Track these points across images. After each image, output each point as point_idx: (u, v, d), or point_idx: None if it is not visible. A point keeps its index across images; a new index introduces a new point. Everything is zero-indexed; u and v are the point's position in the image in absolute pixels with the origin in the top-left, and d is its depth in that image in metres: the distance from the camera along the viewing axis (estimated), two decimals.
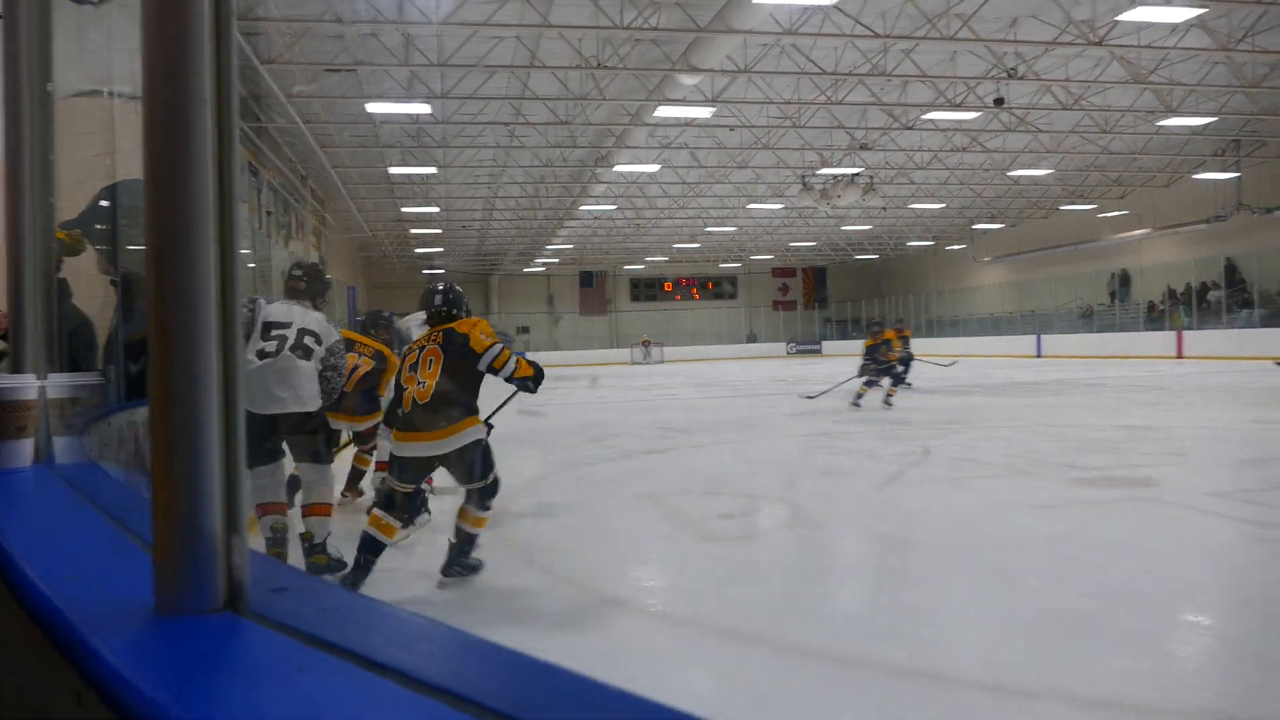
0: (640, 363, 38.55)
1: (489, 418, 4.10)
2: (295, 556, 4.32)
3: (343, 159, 21.06)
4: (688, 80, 14.82)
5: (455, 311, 4.18)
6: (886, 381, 12.50)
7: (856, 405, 12.22)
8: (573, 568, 4.49)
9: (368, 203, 27.39)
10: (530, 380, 4.05)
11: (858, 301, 43.56)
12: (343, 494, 5.93)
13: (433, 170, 22.55)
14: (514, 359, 4.01)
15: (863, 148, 21.27)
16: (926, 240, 38.79)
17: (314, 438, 4.29)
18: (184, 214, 0.86)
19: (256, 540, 4.50)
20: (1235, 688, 2.76)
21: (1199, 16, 13.17)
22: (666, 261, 43.56)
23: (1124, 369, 20.34)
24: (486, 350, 3.94)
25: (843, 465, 7.58)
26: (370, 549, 3.90)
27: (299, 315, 4.26)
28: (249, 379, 4.01)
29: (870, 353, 12.58)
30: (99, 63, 3.97)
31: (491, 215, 30.58)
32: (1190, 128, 20.43)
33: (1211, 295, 25.54)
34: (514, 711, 0.66)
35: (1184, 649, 3.17)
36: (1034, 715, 2.60)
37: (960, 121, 19.77)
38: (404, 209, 27.92)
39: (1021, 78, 15.96)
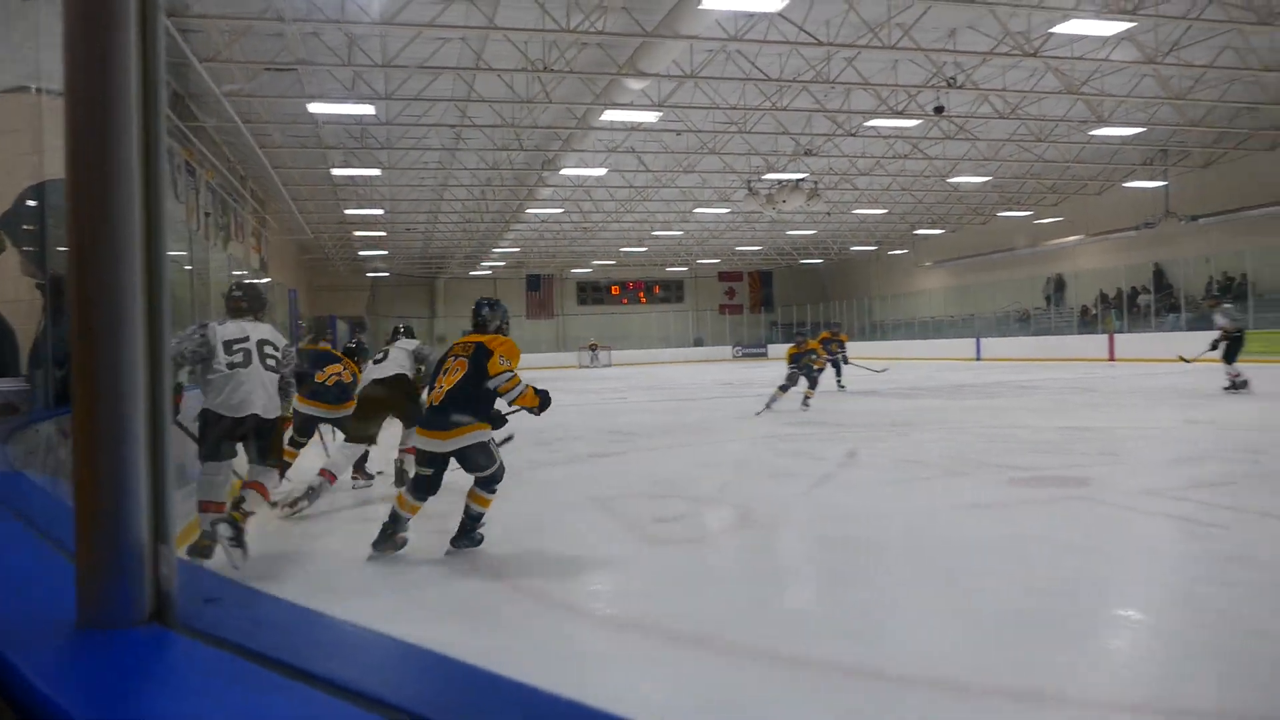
0: (589, 366, 38.52)
1: (506, 413, 4.70)
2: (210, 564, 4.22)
3: (283, 159, 20.65)
4: (634, 84, 14.85)
5: (500, 324, 4.82)
6: (803, 384, 12.64)
7: (769, 409, 12.28)
8: (520, 572, 4.46)
9: (310, 204, 26.90)
10: (534, 408, 4.67)
11: (803, 305, 44.04)
12: (353, 477, 7.00)
13: (376, 172, 22.23)
14: (520, 388, 4.56)
15: (807, 153, 21.54)
16: (870, 245, 39.42)
17: (269, 442, 4.68)
18: (108, 212, 0.83)
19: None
20: (1167, 678, 2.85)
21: (1128, 30, 13.61)
22: (613, 265, 43.59)
23: (1059, 371, 20.90)
24: (497, 374, 4.51)
25: (790, 467, 7.65)
26: (394, 521, 4.59)
27: (251, 329, 4.64)
28: (219, 384, 4.44)
29: (795, 360, 12.71)
30: (26, 58, 3.84)
31: (437, 218, 30.27)
32: (1120, 137, 21.12)
33: (1141, 300, 26.42)
34: None
35: (1118, 642, 3.26)
36: (978, 709, 2.65)
37: (902, 129, 20.15)
38: (347, 211, 27.48)
39: (960, 87, 16.32)
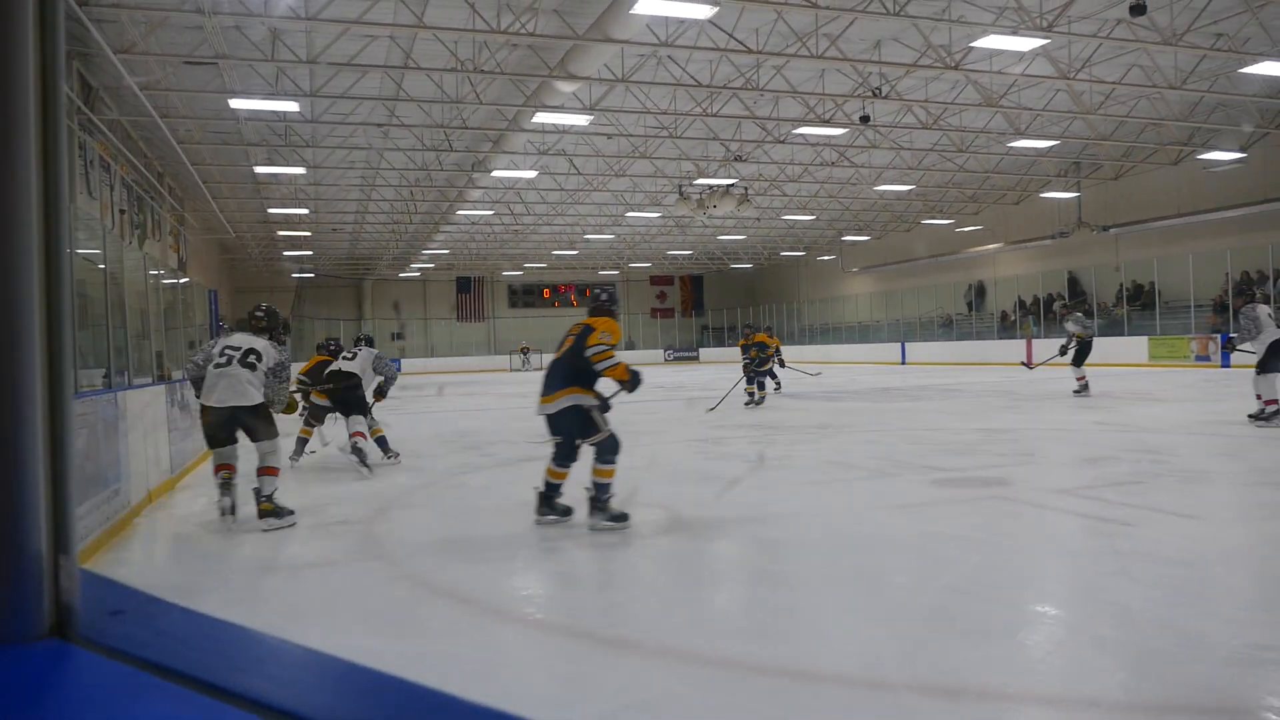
0: (519, 369, 38.26)
1: (608, 396, 5.21)
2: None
3: (203, 156, 20.00)
4: (565, 87, 14.81)
5: (613, 307, 5.46)
6: (755, 378, 13.91)
7: (755, 400, 13.73)
8: (443, 577, 4.40)
9: (231, 203, 26.11)
10: (625, 382, 5.14)
11: (734, 309, 44.53)
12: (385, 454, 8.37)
13: (301, 171, 21.70)
14: (611, 360, 5.08)
15: (737, 159, 21.79)
16: (798, 251, 40.05)
17: (264, 424, 5.63)
18: (3, 207, 0.79)
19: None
20: (1077, 671, 2.95)
21: (1043, 46, 14.13)
22: (545, 268, 43.40)
23: (980, 375, 21.53)
24: (592, 346, 5.10)
25: (718, 470, 7.71)
26: (550, 488, 5.28)
27: (251, 341, 5.76)
28: (207, 381, 5.56)
29: (745, 351, 13.93)
30: None
31: (364, 218, 29.70)
32: (1036, 150, 21.90)
33: (1056, 306, 27.41)
34: None
35: (1033, 637, 3.36)
36: (897, 706, 2.70)
37: (829, 137, 20.55)
38: (271, 210, 26.76)
39: (885, 97, 16.71)
